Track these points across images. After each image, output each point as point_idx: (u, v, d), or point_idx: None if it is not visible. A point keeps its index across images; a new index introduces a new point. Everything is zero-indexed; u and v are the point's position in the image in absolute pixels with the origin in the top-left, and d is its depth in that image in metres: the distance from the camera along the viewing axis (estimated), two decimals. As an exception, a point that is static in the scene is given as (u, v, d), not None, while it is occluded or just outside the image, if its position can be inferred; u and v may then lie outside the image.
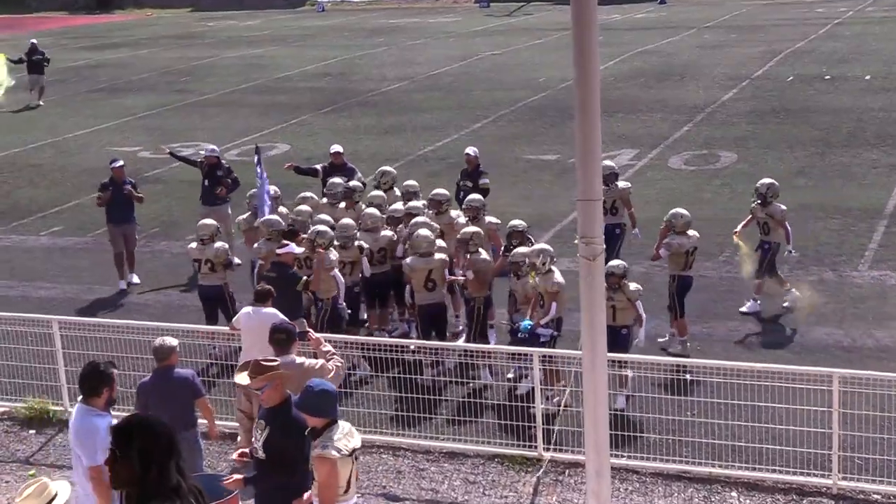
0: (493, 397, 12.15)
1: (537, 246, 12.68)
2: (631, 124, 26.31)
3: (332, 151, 17.27)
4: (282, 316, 11.00)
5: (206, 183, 17.24)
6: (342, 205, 15.07)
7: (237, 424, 11.12)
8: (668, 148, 23.84)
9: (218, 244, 14.03)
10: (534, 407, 10.99)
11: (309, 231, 13.53)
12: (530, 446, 10.99)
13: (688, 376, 11.42)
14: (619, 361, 11.02)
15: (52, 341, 12.39)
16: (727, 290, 15.27)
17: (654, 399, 11.13)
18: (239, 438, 10.88)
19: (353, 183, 15.51)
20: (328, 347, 9.35)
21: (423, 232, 13.10)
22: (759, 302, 14.57)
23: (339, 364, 9.07)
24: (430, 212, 14.48)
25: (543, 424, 10.95)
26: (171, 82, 37.39)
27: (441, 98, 31.48)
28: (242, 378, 8.10)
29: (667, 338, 13.59)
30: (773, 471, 10.35)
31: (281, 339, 8.99)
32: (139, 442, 4.90)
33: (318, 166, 17.35)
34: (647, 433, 11.02)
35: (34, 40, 34.73)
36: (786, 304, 14.55)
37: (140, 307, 15.69)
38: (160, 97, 34.19)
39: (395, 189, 15.74)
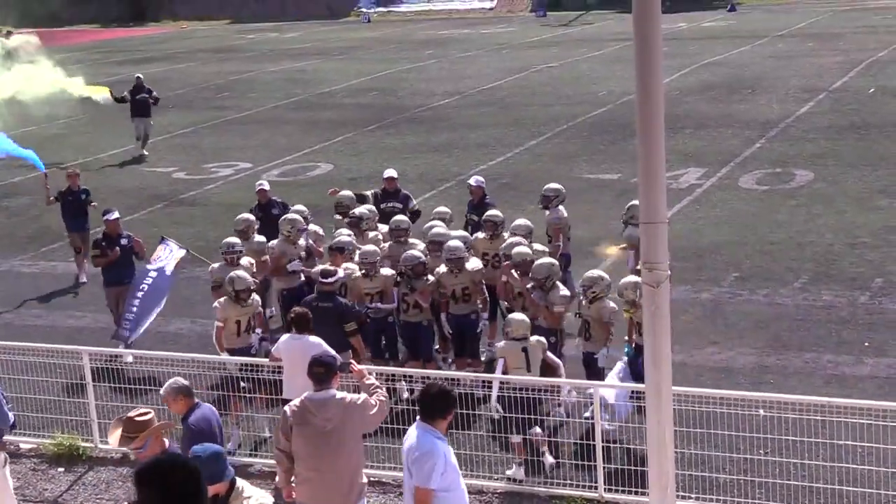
0: (551, 435, 12.10)
1: (593, 273, 12.63)
2: (698, 141, 26.19)
3: (385, 177, 17.07)
4: (325, 346, 11.05)
5: (261, 224, 15.84)
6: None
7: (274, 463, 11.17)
8: (738, 166, 23.69)
9: (242, 261, 14.18)
10: (594, 444, 10.93)
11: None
12: (590, 487, 10.92)
13: (762, 412, 11.30)
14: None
15: (83, 374, 12.52)
16: (802, 319, 15.11)
17: (724, 436, 11.02)
18: (277, 479, 10.91)
19: (360, 210, 15.27)
20: (372, 380, 9.33)
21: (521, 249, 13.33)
22: None
23: (383, 399, 9.04)
24: (485, 235, 14.53)
25: (604, 463, 10.88)
26: (209, 98, 37.83)
27: (494, 114, 31.55)
28: (115, 439, 7.99)
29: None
30: (855, 515, 10.20)
31: (320, 373, 8.89)
32: (160, 484, 4.85)
33: (370, 192, 16.89)
34: (716, 473, 10.90)
35: (140, 75, 30.46)
36: None
37: (174, 337, 15.81)
38: (197, 114, 34.59)
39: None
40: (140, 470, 4.97)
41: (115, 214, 15.98)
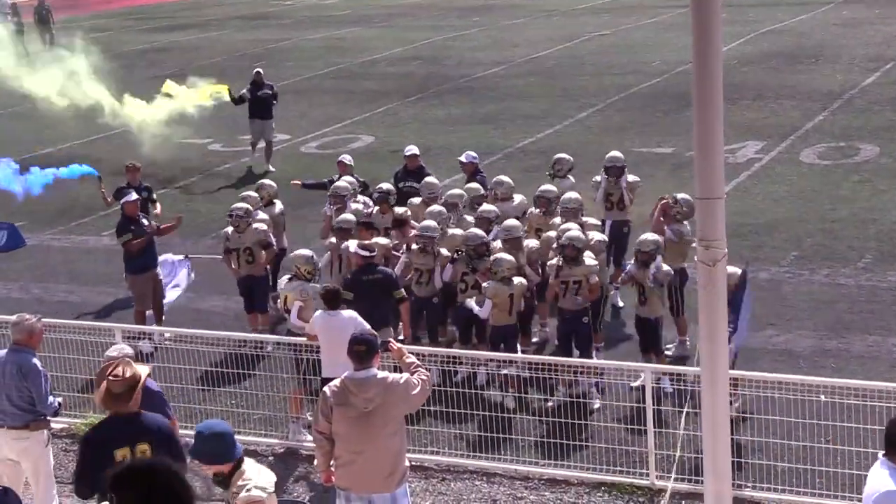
0: (600, 419, 12.12)
1: (652, 236, 13.02)
2: (757, 113, 26.00)
3: (407, 154, 17.21)
4: (360, 319, 11.12)
5: None
6: (375, 208, 15.24)
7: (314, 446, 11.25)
8: (799, 139, 23.52)
9: (256, 225, 14.85)
10: (646, 430, 10.93)
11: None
12: (642, 474, 10.93)
13: (822, 397, 11.25)
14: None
15: (115, 351, 12.62)
16: (866, 300, 15.02)
17: (783, 422, 10.98)
18: (316, 462, 10.99)
19: (386, 186, 15.60)
20: (412, 359, 9.34)
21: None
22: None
23: (425, 378, 9.06)
24: (538, 211, 14.59)
25: (656, 450, 10.88)
26: (244, 68, 37.81)
27: (542, 84, 31.44)
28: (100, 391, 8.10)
29: (675, 344, 13.65)
30: (921, 506, 10.13)
31: (361, 351, 8.90)
32: (136, 490, 4.84)
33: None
34: (774, 461, 10.88)
35: (260, 69, 26.50)
36: None
37: (207, 314, 15.94)
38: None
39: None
40: (117, 474, 4.95)
41: (133, 196, 15.52)
